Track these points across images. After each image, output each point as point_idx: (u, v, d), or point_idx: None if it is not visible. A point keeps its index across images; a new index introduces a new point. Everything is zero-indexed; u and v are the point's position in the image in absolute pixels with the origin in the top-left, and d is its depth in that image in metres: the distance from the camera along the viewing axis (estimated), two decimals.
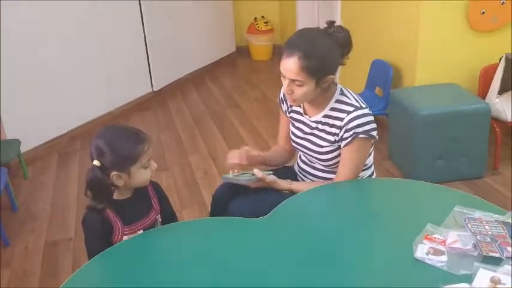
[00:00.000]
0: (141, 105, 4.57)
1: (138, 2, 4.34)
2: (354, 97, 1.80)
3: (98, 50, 4.04)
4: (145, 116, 4.40)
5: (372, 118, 1.77)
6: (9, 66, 3.35)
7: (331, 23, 1.75)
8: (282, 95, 1.97)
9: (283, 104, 1.99)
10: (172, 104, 4.64)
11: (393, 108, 3.19)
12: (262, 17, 5.78)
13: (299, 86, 1.69)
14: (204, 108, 4.53)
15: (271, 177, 1.86)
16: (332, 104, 1.79)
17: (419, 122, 2.85)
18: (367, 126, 1.74)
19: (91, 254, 1.53)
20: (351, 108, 1.75)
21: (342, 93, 1.80)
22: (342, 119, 1.75)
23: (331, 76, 1.72)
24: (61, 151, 3.75)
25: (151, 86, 4.71)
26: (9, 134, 3.37)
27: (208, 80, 5.28)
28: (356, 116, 1.73)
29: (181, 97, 4.82)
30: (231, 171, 1.95)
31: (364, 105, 1.78)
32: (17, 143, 3.21)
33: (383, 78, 3.48)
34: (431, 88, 3.14)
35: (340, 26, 1.75)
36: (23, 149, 3.37)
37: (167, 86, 4.90)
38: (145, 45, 4.51)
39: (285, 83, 1.72)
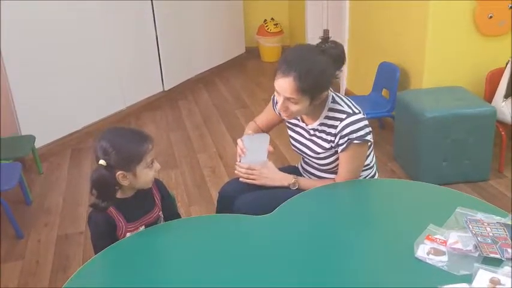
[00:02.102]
0: (151, 104, 4.63)
1: (150, 2, 4.41)
2: (346, 103, 1.83)
3: (111, 50, 4.10)
4: (155, 114, 4.47)
5: (365, 122, 1.80)
6: (25, 64, 3.43)
7: (325, 39, 1.77)
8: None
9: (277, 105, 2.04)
10: (182, 104, 4.71)
11: (399, 110, 3.22)
12: (272, 18, 5.82)
13: (294, 103, 1.73)
14: (214, 108, 4.59)
15: (269, 164, 1.91)
16: (325, 112, 1.84)
17: (425, 124, 2.88)
18: (360, 131, 1.78)
19: (97, 251, 1.56)
20: (344, 116, 1.79)
21: (334, 101, 1.84)
22: (336, 127, 1.80)
23: (325, 93, 1.76)
24: (74, 147, 3.83)
25: (162, 85, 4.77)
26: (24, 131, 3.46)
27: (218, 80, 5.33)
28: (349, 122, 1.77)
29: (191, 97, 4.88)
30: (250, 132, 2.01)
31: (357, 111, 1.81)
32: (31, 138, 3.29)
33: (390, 80, 3.51)
34: (437, 91, 3.17)
35: (334, 41, 1.78)
36: (38, 144, 3.44)
37: (178, 86, 4.96)
38: (157, 45, 4.58)
39: (280, 99, 1.75)
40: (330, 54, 1.73)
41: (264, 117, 2.12)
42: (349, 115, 1.78)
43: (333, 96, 1.85)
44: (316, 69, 1.70)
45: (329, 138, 1.83)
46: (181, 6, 4.79)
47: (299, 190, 1.88)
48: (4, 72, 3.31)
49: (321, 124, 1.85)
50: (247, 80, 5.34)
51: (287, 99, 1.73)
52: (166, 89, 4.81)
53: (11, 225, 2.76)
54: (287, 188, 1.92)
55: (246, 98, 4.80)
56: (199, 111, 4.52)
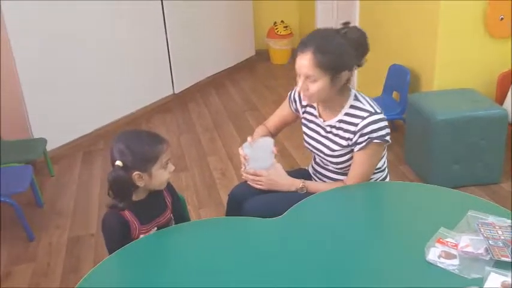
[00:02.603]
0: (162, 107, 4.66)
1: (161, 6, 4.44)
2: (368, 102, 1.82)
3: (121, 53, 4.14)
4: (166, 117, 4.49)
5: (386, 123, 1.79)
6: (37, 67, 3.46)
7: (345, 24, 1.79)
8: (295, 94, 2.00)
9: (294, 102, 2.02)
10: (192, 106, 4.73)
11: (410, 112, 3.20)
12: (282, 21, 5.82)
13: (313, 81, 1.72)
14: (223, 110, 4.60)
15: (277, 168, 1.90)
16: (346, 109, 1.82)
17: (436, 127, 2.86)
18: (381, 131, 1.76)
19: (111, 253, 1.57)
20: (366, 114, 1.77)
21: (356, 99, 1.83)
22: (356, 125, 1.78)
23: (346, 72, 1.74)
24: (85, 150, 3.86)
25: (173, 88, 4.80)
26: (36, 134, 3.49)
27: (228, 83, 5.34)
28: (371, 121, 1.76)
29: (201, 99, 4.90)
30: (249, 138, 1.95)
31: (378, 110, 1.80)
32: (43, 141, 3.31)
33: (400, 83, 3.49)
34: (448, 93, 3.15)
35: (355, 27, 1.78)
36: (49, 147, 3.48)
37: (188, 89, 4.98)
38: (168, 48, 4.60)
39: (300, 81, 1.75)
40: (350, 38, 1.74)
41: (277, 117, 2.11)
42: (371, 114, 1.77)
43: (355, 94, 1.84)
44: (333, 45, 1.71)
45: (347, 135, 1.81)
46: (192, 9, 4.81)
47: (308, 194, 1.86)
48: (17, 76, 3.35)
49: (340, 121, 1.83)
50: (257, 83, 5.35)
51: (306, 77, 1.72)
52: (176, 91, 4.84)
53: (22, 228, 2.78)
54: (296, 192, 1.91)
55: (255, 100, 4.81)
56: (209, 113, 4.54)
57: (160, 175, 1.61)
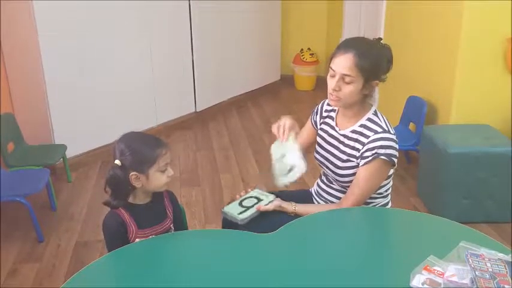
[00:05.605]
0: (182, 123, 4.75)
1: (189, 25, 4.56)
2: (385, 121, 1.85)
3: (147, 69, 4.26)
4: (185, 134, 4.58)
5: (396, 146, 1.80)
6: (62, 77, 3.57)
7: (378, 39, 1.86)
8: (319, 106, 2.05)
9: (315, 114, 2.05)
10: (212, 125, 4.81)
11: (424, 144, 3.18)
12: (309, 48, 5.90)
13: (348, 83, 1.75)
14: (242, 131, 4.66)
15: (275, 203, 1.88)
16: (363, 121, 1.84)
17: (448, 160, 2.84)
18: (390, 150, 1.77)
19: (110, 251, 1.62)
20: (379, 129, 1.80)
21: (375, 114, 1.86)
22: (367, 137, 1.80)
23: (376, 82, 1.80)
24: (104, 160, 3.95)
25: (195, 106, 4.89)
26: (57, 140, 3.59)
27: (251, 105, 5.42)
28: (382, 137, 1.78)
29: (222, 119, 4.98)
30: (237, 195, 1.98)
31: (392, 132, 1.82)
32: (63, 147, 3.43)
33: (417, 114, 3.48)
34: (464, 128, 3.12)
35: (385, 44, 1.86)
36: (70, 154, 3.58)
37: (210, 108, 5.06)
38: (193, 67, 4.71)
39: (334, 80, 1.77)
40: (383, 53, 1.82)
41: (300, 137, 2.10)
42: (384, 131, 1.79)
43: (376, 110, 1.87)
44: (374, 52, 1.77)
45: (356, 145, 1.83)
46: (219, 31, 4.93)
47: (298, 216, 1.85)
48: (43, 84, 3.47)
49: (353, 131, 1.86)
50: (280, 107, 5.40)
51: (342, 77, 1.75)
52: (198, 110, 4.93)
53: (33, 228, 2.87)
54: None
55: (275, 123, 4.84)
56: (228, 133, 4.61)
57: (158, 178, 1.64)
